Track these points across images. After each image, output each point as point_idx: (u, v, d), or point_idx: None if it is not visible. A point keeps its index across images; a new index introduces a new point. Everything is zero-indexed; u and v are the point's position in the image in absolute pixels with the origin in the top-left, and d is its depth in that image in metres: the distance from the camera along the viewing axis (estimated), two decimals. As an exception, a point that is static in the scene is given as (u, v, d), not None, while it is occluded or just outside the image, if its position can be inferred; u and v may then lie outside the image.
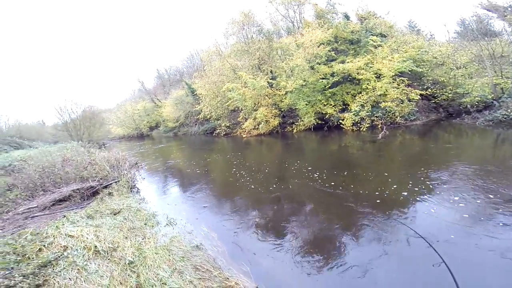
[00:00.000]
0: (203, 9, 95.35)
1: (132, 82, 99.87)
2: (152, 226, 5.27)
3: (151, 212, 6.08)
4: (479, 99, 13.69)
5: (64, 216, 5.37)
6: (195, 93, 27.41)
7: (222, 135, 23.66)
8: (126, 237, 4.10)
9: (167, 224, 5.40)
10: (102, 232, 3.91)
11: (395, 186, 5.97)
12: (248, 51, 20.90)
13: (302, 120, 18.28)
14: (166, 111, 34.72)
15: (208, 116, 25.39)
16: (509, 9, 16.67)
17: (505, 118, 11.48)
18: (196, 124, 30.40)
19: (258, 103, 19.85)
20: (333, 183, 6.68)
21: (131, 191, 8.20)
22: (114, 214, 5.50)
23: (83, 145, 17.64)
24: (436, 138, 11.55)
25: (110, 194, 7.28)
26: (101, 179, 8.24)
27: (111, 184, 8.04)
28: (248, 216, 5.59)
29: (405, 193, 5.51)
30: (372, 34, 17.89)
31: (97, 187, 7.57)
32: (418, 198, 5.20)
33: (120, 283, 2.68)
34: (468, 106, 14.11)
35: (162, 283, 2.91)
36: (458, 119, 14.17)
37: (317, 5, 20.68)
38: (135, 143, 29.86)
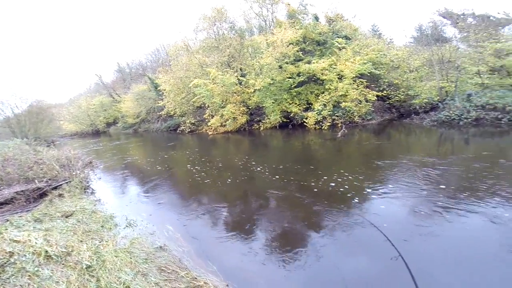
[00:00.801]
0: (171, 3, 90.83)
1: (88, 76, 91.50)
2: (110, 228, 4.94)
3: (108, 213, 5.70)
4: (427, 101, 15.20)
5: (7, 220, 4.76)
6: (158, 88, 26.14)
7: (186, 132, 22.99)
8: (81, 241, 3.76)
9: (126, 226, 5.11)
10: (53, 236, 3.53)
11: (352, 180, 6.37)
12: (218, 48, 20.61)
13: (269, 118, 18.58)
14: (125, 106, 32.68)
15: (172, 113, 24.42)
16: (462, 16, 18.71)
17: (447, 119, 12.90)
18: (158, 121, 29.15)
19: (226, 100, 19.66)
20: (296, 179, 6.88)
21: (85, 192, 7.61)
22: (66, 217, 5.02)
23: (28, 142, 15.73)
24: (389, 136, 12.64)
25: (60, 195, 6.62)
26: (49, 179, 7.44)
27: (61, 185, 7.32)
28: (214, 214, 5.51)
29: (363, 186, 5.91)
30: (338, 36, 18.70)
31: (45, 189, 6.82)
32: (373, 191, 5.61)
33: None
34: (417, 107, 15.58)
35: (126, 286, 2.73)
36: (408, 119, 15.64)
37: (289, 5, 21.06)
38: (89, 140, 27.71)
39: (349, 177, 6.64)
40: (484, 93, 12.83)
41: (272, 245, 4.11)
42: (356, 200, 5.25)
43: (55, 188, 7.03)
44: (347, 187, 6.00)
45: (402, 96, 16.73)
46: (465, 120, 12.13)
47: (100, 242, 3.90)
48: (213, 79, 18.70)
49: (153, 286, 2.87)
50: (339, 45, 17.70)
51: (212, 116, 20.52)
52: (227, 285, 3.22)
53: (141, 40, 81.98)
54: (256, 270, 3.60)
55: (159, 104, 25.44)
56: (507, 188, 4.99)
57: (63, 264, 2.90)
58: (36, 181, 7.03)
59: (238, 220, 5.21)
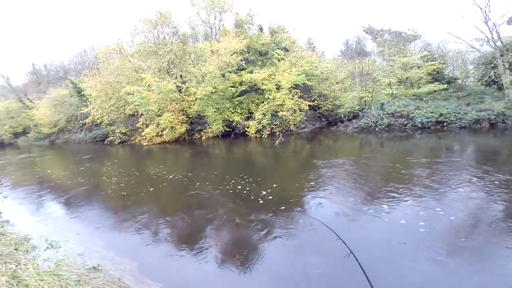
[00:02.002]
0: (101, 2, 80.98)
1: None
2: (27, 251, 4.17)
3: (21, 235, 4.84)
4: (350, 110, 17.30)
5: None
6: (82, 93, 22.91)
7: (116, 143, 20.66)
8: (-10, 267, 3.01)
9: (47, 248, 4.39)
10: None
11: (292, 184, 6.88)
12: (156, 53, 19.43)
13: (211, 127, 18.27)
14: (40, 113, 27.56)
15: (99, 121, 21.61)
16: (381, 32, 21.96)
17: (366, 125, 14.95)
18: (82, 130, 25.66)
19: (164, 108, 18.50)
20: (239, 187, 6.85)
21: (-13, 213, 6.18)
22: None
23: None
24: (320, 142, 14.04)
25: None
26: None
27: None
28: (155, 228, 5.02)
29: (301, 189, 6.38)
30: (278, 48, 19.81)
31: None
32: (311, 192, 6.06)
33: None
34: (342, 116, 17.61)
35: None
36: (335, 127, 17.61)
37: (238, 14, 21.43)
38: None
39: (289, 181, 7.12)
40: (393, 102, 15.30)
41: (222, 256, 3.93)
42: (299, 203, 5.55)
43: None
44: (288, 190, 6.38)
45: (330, 106, 18.72)
46: (380, 126, 14.32)
47: (17, 266, 3.21)
48: (148, 85, 17.47)
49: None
50: (279, 56, 18.75)
51: (147, 125, 18.95)
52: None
53: (64, 40, 70.51)
54: (205, 283, 3.40)
55: (83, 111, 22.20)
56: (413, 179, 6.14)
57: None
58: None
59: (184, 233, 4.86)
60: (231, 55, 17.54)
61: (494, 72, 14.51)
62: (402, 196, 5.11)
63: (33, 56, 73.93)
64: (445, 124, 12.57)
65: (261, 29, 21.62)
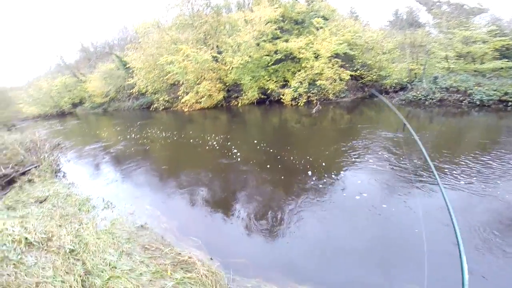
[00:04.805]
0: None
1: (46, 58, 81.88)
2: (88, 211, 4.93)
3: (84, 196, 5.63)
4: (397, 81, 16.00)
5: (-24, 211, 4.51)
6: (127, 66, 24.54)
7: (161, 109, 22.23)
8: (60, 225, 3.74)
9: (104, 208, 5.12)
10: (29, 222, 3.46)
11: (329, 155, 6.77)
12: (192, 25, 19.51)
13: (246, 95, 18.54)
14: (92, 86, 30.60)
15: (144, 90, 23.26)
16: (437, 3, 19.20)
17: (414, 98, 13.70)
18: (129, 99, 27.70)
19: (201, 77, 19.09)
20: (276, 154, 7.12)
21: (56, 175, 7.37)
22: (40, 202, 4.89)
23: (-16, 129, 14.37)
24: (361, 113, 13.25)
25: (30, 181, 6.34)
26: (15, 165, 7.02)
27: (29, 169, 6.96)
28: (194, 191, 5.61)
29: (337, 160, 6.32)
30: (316, 16, 18.54)
31: (13, 175, 6.46)
32: (350, 164, 6.04)
33: (66, 272, 2.50)
34: (388, 87, 16.32)
35: (112, 267, 2.83)
36: (378, 98, 16.34)
37: None
38: (54, 121, 25.87)
39: (324, 151, 7.03)
40: (449, 76, 13.61)
41: (254, 218, 4.32)
42: (332, 174, 5.61)
43: (23, 173, 6.69)
44: (322, 160, 6.35)
45: (374, 76, 17.39)
46: (430, 101, 12.96)
47: (79, 225, 3.90)
48: (186, 55, 17.92)
49: (138, 265, 2.99)
50: (317, 25, 17.62)
51: (187, 93, 19.91)
52: (211, 258, 3.40)
53: (105, 19, 74.04)
54: (239, 243, 3.81)
55: (129, 82, 24.01)
56: (460, 160, 5.63)
57: (45, 250, 2.90)
58: (0, 167, 6.60)
59: (217, 195, 5.39)
60: (266, 24, 16.92)
61: None
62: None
63: (81, 36, 78.79)
64: (510, 104, 10.83)
65: (296, -3, 20.01)
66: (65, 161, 9.13)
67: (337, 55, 16.51)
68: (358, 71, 17.56)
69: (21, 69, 72.98)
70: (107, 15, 72.57)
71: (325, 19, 18.78)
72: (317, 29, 17.63)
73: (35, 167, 7.15)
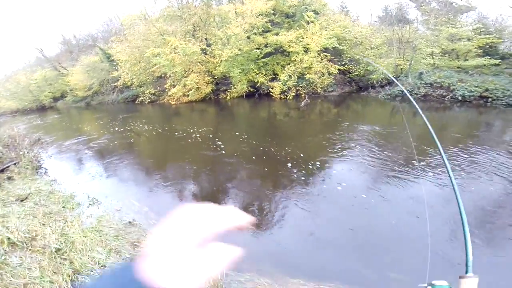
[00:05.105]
0: None
1: (26, 51, 77.87)
2: (73, 208, 4.78)
3: (67, 193, 5.45)
4: (383, 76, 16.19)
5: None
6: (111, 58, 23.72)
7: (146, 102, 21.73)
8: (43, 224, 3.60)
9: (90, 204, 4.99)
10: (11, 222, 3.30)
11: (315, 148, 6.90)
12: (181, 17, 19.10)
13: (235, 88, 18.41)
14: (74, 79, 29.51)
15: (129, 83, 22.59)
16: (427, 0, 19.54)
17: (400, 93, 14.02)
18: (114, 92, 26.97)
19: (189, 69, 18.75)
20: (264, 147, 7.14)
21: (37, 172, 7.08)
22: (21, 201, 4.68)
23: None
24: (348, 107, 13.49)
25: (10, 178, 6.06)
26: (-8, 161, 6.68)
27: (8, 166, 6.64)
28: (180, 184, 5.56)
29: (324, 153, 6.43)
30: (307, 10, 18.47)
31: (-11, 171, 6.15)
32: (334, 157, 6.17)
33: (54, 272, 2.41)
34: (374, 82, 16.61)
35: (101, 266, 2.76)
36: (365, 92, 16.70)
37: None
38: (34, 116, 24.80)
39: (312, 143, 7.14)
40: (433, 72, 14.00)
41: (246, 211, 4.34)
42: (321, 165, 5.73)
43: (2, 171, 6.37)
44: (309, 152, 6.46)
45: (361, 71, 17.65)
46: (415, 95, 13.29)
47: (64, 223, 3.78)
48: (174, 48, 17.49)
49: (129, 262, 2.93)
50: (308, 19, 17.60)
51: (174, 86, 19.51)
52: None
53: (88, 11, 71.26)
54: (226, 235, 3.84)
55: (114, 75, 23.22)
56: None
57: (30, 249, 2.80)
58: (-24, 163, 6.27)
59: (207, 189, 5.38)
60: (257, 17, 16.75)
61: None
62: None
63: (63, 28, 75.59)
64: (490, 100, 11.29)
65: (288, -10, 19.83)
66: (46, 157, 8.80)
67: (326, 49, 16.63)
68: (346, 66, 17.78)
69: (-3, 63, 69.21)
70: (90, 6, 69.69)
71: (316, 13, 18.79)
72: (308, 23, 17.63)
73: (14, 163, 6.82)
